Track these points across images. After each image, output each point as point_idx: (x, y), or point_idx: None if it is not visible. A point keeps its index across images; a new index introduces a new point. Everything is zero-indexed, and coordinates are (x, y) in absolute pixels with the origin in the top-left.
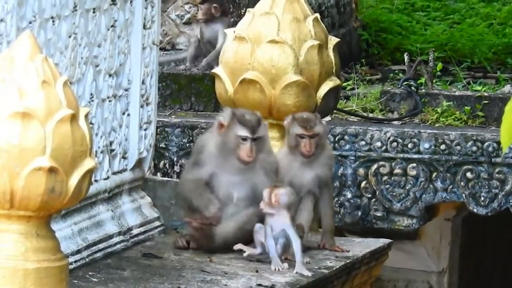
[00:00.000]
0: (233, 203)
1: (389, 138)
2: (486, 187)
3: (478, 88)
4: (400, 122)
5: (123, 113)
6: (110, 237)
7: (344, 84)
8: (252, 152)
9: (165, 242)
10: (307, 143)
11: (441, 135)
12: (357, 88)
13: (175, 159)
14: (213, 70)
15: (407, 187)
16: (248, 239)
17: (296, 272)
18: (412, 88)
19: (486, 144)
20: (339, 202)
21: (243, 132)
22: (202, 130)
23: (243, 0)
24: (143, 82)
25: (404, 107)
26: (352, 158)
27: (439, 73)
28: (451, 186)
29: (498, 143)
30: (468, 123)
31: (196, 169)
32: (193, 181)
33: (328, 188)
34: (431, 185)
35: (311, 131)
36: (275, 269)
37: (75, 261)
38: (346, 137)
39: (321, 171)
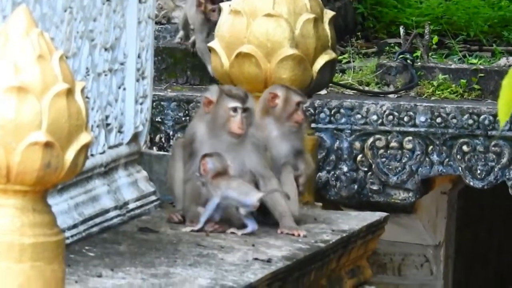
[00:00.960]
0: None
1: (385, 111)
2: (482, 160)
3: (474, 61)
4: (396, 96)
5: (119, 87)
6: (106, 211)
7: (340, 57)
8: (243, 124)
9: (161, 216)
10: (300, 113)
11: (437, 108)
12: (353, 62)
13: (171, 133)
14: (208, 44)
15: (403, 161)
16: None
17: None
18: (408, 61)
19: (482, 117)
20: (335, 175)
21: (233, 103)
22: (198, 104)
23: None
24: (138, 56)
25: (400, 81)
26: (348, 131)
27: (435, 46)
28: (447, 160)
29: (494, 116)
30: (464, 96)
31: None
32: (188, 189)
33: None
34: (427, 159)
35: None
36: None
37: (72, 236)
38: (342, 110)
39: (297, 143)
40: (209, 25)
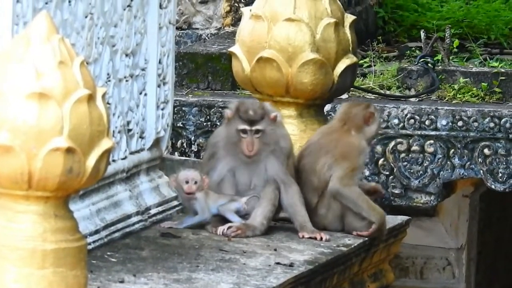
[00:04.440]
0: (250, 188)
1: (406, 115)
2: (504, 163)
3: (495, 64)
4: (417, 99)
5: (140, 93)
6: (128, 216)
7: (361, 61)
8: (253, 145)
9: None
10: None
11: (458, 111)
12: (374, 66)
13: (192, 138)
14: (230, 49)
15: (425, 164)
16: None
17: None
18: (429, 65)
19: (503, 120)
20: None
21: (242, 126)
22: (220, 109)
23: None
24: (159, 62)
25: (421, 84)
26: None
27: (455, 49)
28: (468, 163)
29: None
30: (485, 100)
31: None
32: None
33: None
34: (448, 162)
35: None
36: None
37: (94, 241)
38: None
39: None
40: None
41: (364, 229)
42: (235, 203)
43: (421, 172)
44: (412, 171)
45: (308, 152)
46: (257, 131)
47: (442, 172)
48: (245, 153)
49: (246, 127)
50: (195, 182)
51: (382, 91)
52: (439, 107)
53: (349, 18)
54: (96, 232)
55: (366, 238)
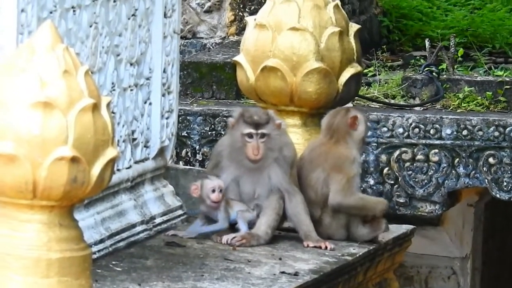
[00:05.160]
0: (254, 198)
1: (411, 124)
2: (509, 172)
3: (500, 73)
4: (422, 108)
5: (145, 102)
6: (133, 226)
7: (366, 70)
8: (259, 149)
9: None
10: None
11: (463, 120)
12: (379, 75)
13: (197, 147)
14: (234, 58)
15: (430, 173)
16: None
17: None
18: (434, 74)
19: (508, 129)
20: (362, 188)
21: (247, 129)
22: (224, 118)
23: None
24: (164, 71)
25: (425, 93)
26: (374, 144)
27: (460, 58)
28: (473, 172)
29: None
30: (490, 108)
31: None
32: None
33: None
34: (453, 171)
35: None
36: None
37: (98, 251)
38: (368, 123)
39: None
40: None
41: (370, 235)
42: (250, 214)
43: (425, 181)
44: (416, 180)
45: (301, 166)
46: (263, 135)
47: (446, 181)
48: (251, 158)
49: (252, 130)
50: (220, 191)
51: (386, 100)
52: (443, 116)
53: (354, 27)
54: (101, 241)
55: (371, 247)
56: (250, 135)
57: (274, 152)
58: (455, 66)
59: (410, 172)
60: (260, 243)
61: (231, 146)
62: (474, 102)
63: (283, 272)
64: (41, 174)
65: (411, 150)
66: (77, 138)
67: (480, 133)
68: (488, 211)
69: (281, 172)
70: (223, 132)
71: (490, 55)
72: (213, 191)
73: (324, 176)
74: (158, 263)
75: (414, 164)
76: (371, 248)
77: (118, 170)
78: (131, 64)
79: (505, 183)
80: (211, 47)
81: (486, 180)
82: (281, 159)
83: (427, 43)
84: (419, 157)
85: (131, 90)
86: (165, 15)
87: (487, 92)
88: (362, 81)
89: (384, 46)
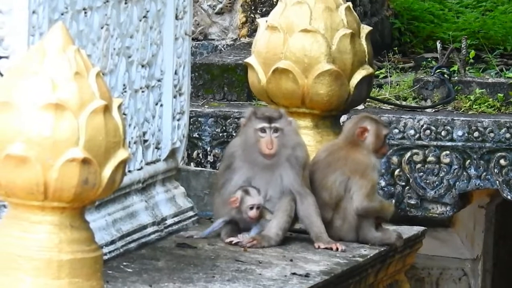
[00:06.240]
0: (266, 200)
1: (422, 126)
2: None
3: (511, 75)
4: (433, 110)
5: (156, 104)
6: (144, 227)
7: (377, 72)
8: (273, 144)
9: (199, 232)
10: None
11: (474, 122)
12: (390, 76)
13: (208, 149)
14: (245, 60)
15: (441, 175)
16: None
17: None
18: (445, 75)
19: None
20: None
21: (260, 124)
22: (235, 120)
23: None
24: (175, 73)
25: (437, 95)
26: None
27: (471, 60)
28: (484, 173)
29: None
30: (501, 110)
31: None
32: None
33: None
34: (464, 173)
35: None
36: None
37: (109, 252)
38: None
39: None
40: None
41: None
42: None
43: (437, 182)
44: (428, 181)
45: (316, 168)
46: (276, 130)
47: (458, 182)
48: (265, 152)
49: (265, 124)
50: (258, 208)
51: (398, 102)
52: (455, 118)
53: (365, 29)
54: (112, 242)
55: (382, 249)
56: (263, 130)
57: (287, 149)
58: (467, 68)
59: (421, 173)
60: (271, 244)
61: (244, 145)
62: (485, 104)
63: (294, 274)
64: (52, 175)
65: (422, 151)
66: (88, 140)
67: (492, 135)
68: (499, 213)
69: (293, 174)
70: (234, 134)
71: (502, 57)
72: (251, 208)
73: (342, 179)
74: (169, 265)
75: (425, 166)
76: (382, 249)
77: (129, 171)
78: (142, 66)
79: None
80: (222, 49)
81: (497, 182)
82: (294, 160)
83: (438, 45)
84: (430, 158)
85: (143, 91)
86: (176, 17)
87: (499, 94)
88: (374, 83)
89: (396, 48)
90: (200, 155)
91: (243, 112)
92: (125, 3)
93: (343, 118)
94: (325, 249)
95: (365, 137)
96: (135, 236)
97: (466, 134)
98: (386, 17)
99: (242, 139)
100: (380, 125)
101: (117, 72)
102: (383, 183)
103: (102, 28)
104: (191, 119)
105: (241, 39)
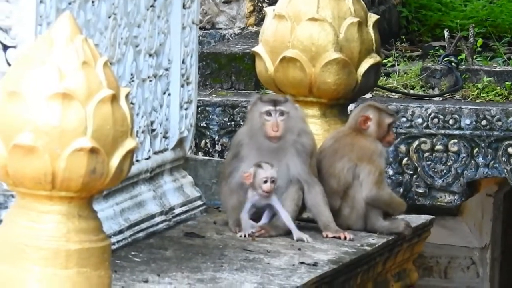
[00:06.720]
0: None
1: (430, 114)
2: None
3: None
4: (441, 98)
5: (164, 93)
6: (152, 216)
7: (384, 61)
8: (278, 126)
9: (207, 221)
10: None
11: (482, 110)
12: (398, 65)
13: (216, 138)
14: (253, 49)
15: (449, 163)
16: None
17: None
18: (453, 64)
19: None
20: None
21: (265, 107)
22: (243, 109)
23: None
24: (183, 62)
25: (444, 83)
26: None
27: (479, 49)
28: (492, 162)
29: None
30: (509, 99)
31: (235, 164)
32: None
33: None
34: (472, 161)
35: None
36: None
37: (118, 241)
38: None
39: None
40: None
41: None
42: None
43: (445, 171)
44: (436, 170)
45: (323, 156)
46: (282, 113)
47: (466, 171)
48: (270, 134)
49: (270, 107)
50: (273, 181)
51: (405, 91)
52: (462, 106)
53: (373, 17)
54: (120, 232)
55: (390, 238)
56: (268, 113)
57: (293, 134)
58: (474, 56)
59: (429, 162)
60: (279, 233)
61: (250, 131)
62: (493, 92)
63: (302, 263)
64: (60, 165)
65: (430, 140)
66: (96, 129)
67: (499, 123)
68: (507, 201)
69: (300, 163)
70: (242, 123)
71: (509, 45)
72: (265, 181)
73: (349, 166)
74: (177, 254)
75: (433, 154)
76: (390, 238)
77: (137, 161)
78: (150, 55)
79: None
80: (230, 37)
81: (505, 170)
82: (300, 147)
83: (446, 33)
84: (438, 147)
85: (150, 81)
86: (184, 6)
87: (506, 82)
88: (381, 71)
89: (403, 37)
90: (208, 144)
91: (250, 101)
92: None
93: (351, 106)
94: (333, 238)
95: (368, 125)
96: (143, 225)
97: (474, 123)
98: (393, 6)
99: (249, 126)
100: (383, 113)
101: (125, 61)
102: (391, 172)
103: (109, 17)
104: (199, 108)
105: (248, 28)
